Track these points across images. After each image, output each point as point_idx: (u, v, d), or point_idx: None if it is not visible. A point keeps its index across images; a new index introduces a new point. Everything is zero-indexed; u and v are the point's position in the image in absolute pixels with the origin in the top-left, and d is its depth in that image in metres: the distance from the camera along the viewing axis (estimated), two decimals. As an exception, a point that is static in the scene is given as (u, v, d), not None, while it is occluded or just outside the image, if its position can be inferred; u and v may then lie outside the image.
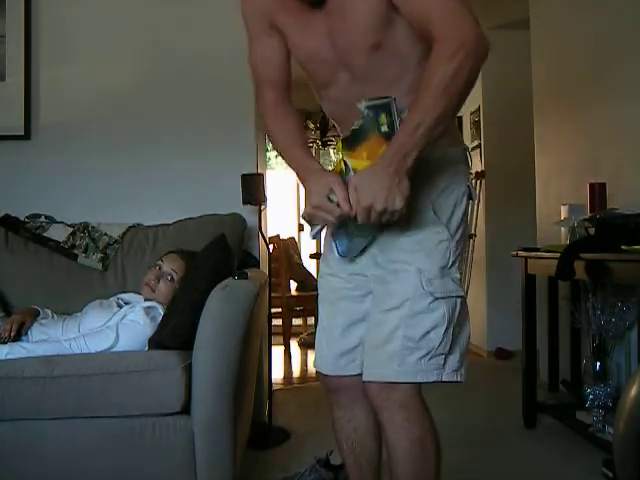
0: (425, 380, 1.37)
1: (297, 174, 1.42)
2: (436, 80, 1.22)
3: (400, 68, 1.36)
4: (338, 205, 1.29)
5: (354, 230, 1.39)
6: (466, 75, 1.22)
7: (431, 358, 1.36)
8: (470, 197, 1.46)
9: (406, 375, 1.35)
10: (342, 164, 1.35)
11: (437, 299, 1.35)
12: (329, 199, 1.30)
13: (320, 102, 1.54)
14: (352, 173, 1.32)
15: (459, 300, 1.39)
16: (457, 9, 1.24)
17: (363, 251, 1.45)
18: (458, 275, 1.40)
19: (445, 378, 1.38)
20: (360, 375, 1.48)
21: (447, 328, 1.36)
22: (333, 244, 1.45)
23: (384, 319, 1.38)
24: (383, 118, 1.29)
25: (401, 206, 1.24)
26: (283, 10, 1.42)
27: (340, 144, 1.35)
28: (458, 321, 1.39)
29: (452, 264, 1.39)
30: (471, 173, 1.48)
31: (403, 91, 1.34)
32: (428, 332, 1.35)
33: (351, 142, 1.33)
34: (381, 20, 1.31)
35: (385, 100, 1.29)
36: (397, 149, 1.24)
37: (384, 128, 1.30)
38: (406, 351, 1.35)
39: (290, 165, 1.46)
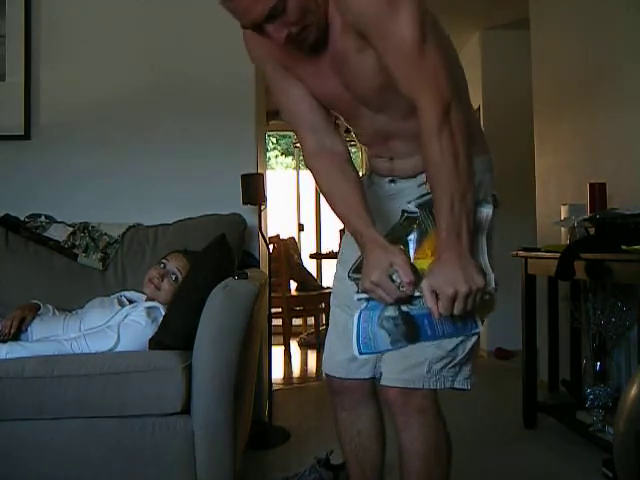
0: (441, 387, 1.39)
1: (355, 238, 1.39)
2: (439, 161, 1.24)
3: None
4: (400, 289, 1.28)
5: (409, 307, 1.35)
6: (459, 140, 1.23)
7: (452, 367, 1.38)
8: (496, 205, 1.46)
9: (429, 381, 1.37)
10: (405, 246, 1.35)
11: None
12: (391, 278, 1.29)
13: (350, 128, 1.53)
14: (424, 282, 1.29)
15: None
16: (425, 73, 1.23)
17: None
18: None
19: (457, 385, 1.40)
20: (369, 379, 1.49)
21: (474, 341, 1.39)
22: (354, 339, 1.39)
23: None
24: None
25: (482, 282, 1.25)
26: (289, 57, 1.38)
27: (404, 249, 1.34)
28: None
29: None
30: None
31: None
32: (459, 344, 1.37)
33: (414, 245, 1.34)
34: (377, 71, 1.29)
35: (431, 196, 1.29)
36: (446, 235, 1.25)
37: None
38: (435, 358, 1.36)
39: (347, 228, 1.43)
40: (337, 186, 1.42)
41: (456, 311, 1.26)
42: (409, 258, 1.33)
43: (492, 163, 1.47)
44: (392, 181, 1.47)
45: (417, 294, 1.31)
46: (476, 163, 1.40)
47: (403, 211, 1.43)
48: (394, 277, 1.28)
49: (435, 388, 1.39)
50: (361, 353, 1.39)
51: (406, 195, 1.42)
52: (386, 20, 1.20)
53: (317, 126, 1.44)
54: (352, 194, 1.40)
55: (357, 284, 1.42)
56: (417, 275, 1.30)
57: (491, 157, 1.47)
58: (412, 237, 1.36)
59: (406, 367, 1.37)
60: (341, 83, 1.35)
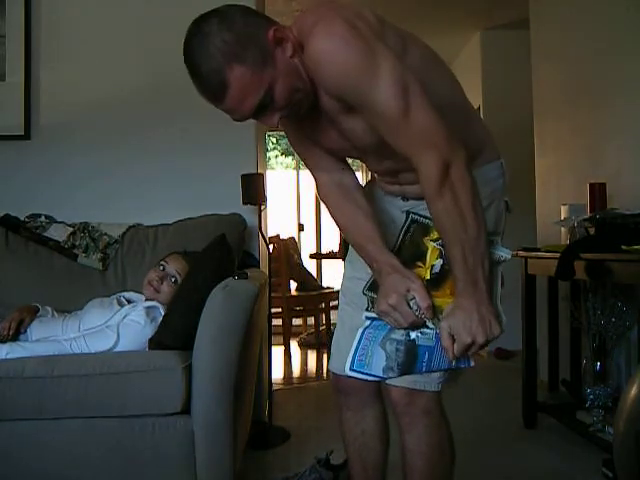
0: (439, 389, 1.41)
1: (370, 266, 1.42)
2: (445, 217, 1.24)
3: None
4: (417, 315, 1.31)
5: (419, 336, 1.36)
6: (463, 194, 1.22)
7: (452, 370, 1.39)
8: (507, 209, 1.47)
9: (430, 384, 1.39)
10: (425, 272, 1.36)
11: None
12: (408, 304, 1.31)
13: None
14: (441, 318, 1.31)
15: None
16: (416, 135, 1.21)
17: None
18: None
19: (442, 384, 1.43)
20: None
21: None
22: (351, 353, 1.40)
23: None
24: None
25: (498, 332, 1.28)
26: (295, 124, 1.41)
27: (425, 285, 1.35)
28: None
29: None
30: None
31: None
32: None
33: (434, 282, 1.35)
34: (370, 129, 1.29)
35: None
36: (463, 285, 1.26)
37: None
38: None
39: (362, 255, 1.45)
40: (350, 217, 1.46)
41: (469, 354, 1.30)
42: (426, 280, 1.34)
43: (504, 167, 1.47)
44: (404, 199, 1.48)
45: (431, 326, 1.33)
46: (488, 170, 1.41)
47: (407, 212, 1.44)
48: (411, 303, 1.31)
49: (438, 390, 1.40)
50: (351, 369, 1.39)
51: (422, 210, 1.41)
52: (366, 91, 1.19)
53: (327, 165, 1.48)
54: (365, 223, 1.43)
55: (371, 302, 1.43)
56: (433, 302, 1.32)
57: (502, 162, 1.47)
58: (436, 264, 1.37)
59: None
60: (340, 137, 1.36)
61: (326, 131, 1.37)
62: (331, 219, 1.51)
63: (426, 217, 1.39)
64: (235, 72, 1.16)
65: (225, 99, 1.19)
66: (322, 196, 1.51)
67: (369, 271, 1.45)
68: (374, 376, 1.38)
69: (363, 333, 1.40)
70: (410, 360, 1.35)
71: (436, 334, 1.32)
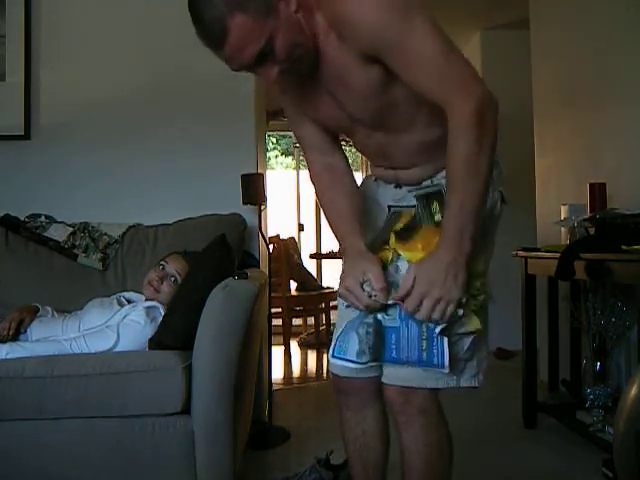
0: (445, 386, 1.38)
1: (340, 245, 1.45)
2: (462, 158, 1.23)
3: (412, 112, 1.36)
4: (370, 296, 1.31)
5: (385, 317, 1.35)
6: (488, 143, 1.23)
7: (453, 364, 1.36)
8: (503, 201, 1.47)
9: (428, 380, 1.37)
10: (391, 253, 1.35)
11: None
12: (362, 286, 1.32)
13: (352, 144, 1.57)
14: (406, 264, 1.30)
15: (487, 307, 1.40)
16: (455, 76, 1.23)
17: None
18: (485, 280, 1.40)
19: (463, 384, 1.40)
20: (375, 377, 1.48)
21: (472, 338, 1.38)
22: (334, 341, 1.41)
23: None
24: (436, 206, 1.30)
25: (457, 296, 1.25)
26: (290, 87, 1.42)
27: (393, 237, 1.35)
28: (482, 327, 1.39)
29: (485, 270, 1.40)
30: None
31: (423, 125, 1.36)
32: (457, 341, 1.36)
33: (404, 234, 1.33)
34: (380, 87, 1.30)
35: (436, 187, 1.30)
36: (448, 238, 1.25)
37: (437, 217, 1.31)
38: None
39: (335, 236, 1.48)
40: (333, 198, 1.49)
41: (422, 311, 1.25)
42: (392, 256, 1.34)
43: (498, 157, 1.47)
44: (397, 186, 1.50)
45: (391, 302, 1.31)
46: None
47: (389, 207, 1.46)
48: (364, 286, 1.31)
49: (436, 387, 1.38)
50: (333, 356, 1.39)
51: (413, 200, 1.43)
52: (405, 40, 1.20)
53: (320, 145, 1.50)
54: (344, 205, 1.46)
55: None
56: (389, 284, 1.31)
57: (497, 152, 1.47)
58: (404, 225, 1.36)
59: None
60: (339, 107, 1.37)
61: (322, 101, 1.38)
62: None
63: (406, 207, 1.40)
64: (237, 20, 1.18)
65: (225, 46, 1.21)
66: (312, 176, 1.54)
67: None
68: (351, 361, 1.36)
69: (348, 322, 1.40)
70: (379, 342, 1.33)
71: (399, 314, 1.31)
